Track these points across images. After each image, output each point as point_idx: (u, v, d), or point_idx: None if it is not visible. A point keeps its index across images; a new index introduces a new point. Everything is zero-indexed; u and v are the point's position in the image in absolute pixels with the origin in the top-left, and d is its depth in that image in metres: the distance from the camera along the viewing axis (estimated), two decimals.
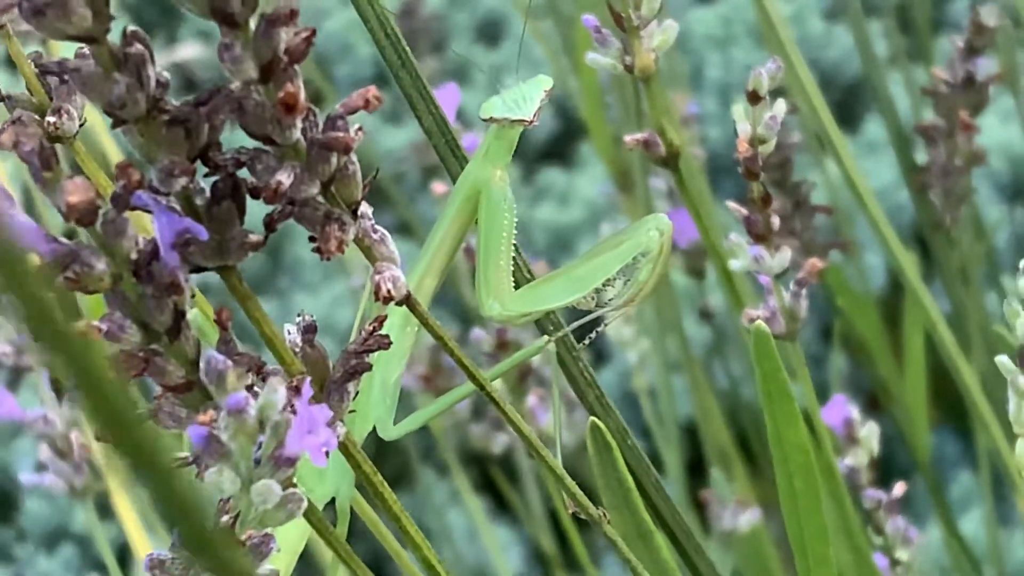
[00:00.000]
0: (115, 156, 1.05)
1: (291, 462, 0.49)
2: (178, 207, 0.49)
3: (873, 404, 1.81)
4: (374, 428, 0.63)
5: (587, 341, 0.65)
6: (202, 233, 0.49)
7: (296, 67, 0.48)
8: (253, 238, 0.49)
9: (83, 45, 0.48)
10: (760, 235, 0.77)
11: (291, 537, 0.61)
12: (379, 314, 0.53)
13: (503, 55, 2.15)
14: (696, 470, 1.48)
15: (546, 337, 0.62)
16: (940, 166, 1.06)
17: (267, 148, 0.49)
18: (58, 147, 0.61)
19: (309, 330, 0.53)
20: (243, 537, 0.51)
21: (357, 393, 0.53)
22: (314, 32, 0.48)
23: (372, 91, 0.50)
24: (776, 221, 0.77)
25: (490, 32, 2.24)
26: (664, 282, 0.68)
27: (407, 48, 0.60)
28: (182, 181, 0.48)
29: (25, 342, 0.88)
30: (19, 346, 0.87)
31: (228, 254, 0.49)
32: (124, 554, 1.43)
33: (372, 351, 0.52)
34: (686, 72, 1.94)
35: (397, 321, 0.60)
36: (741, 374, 1.54)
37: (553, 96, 0.64)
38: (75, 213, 0.46)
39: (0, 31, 0.60)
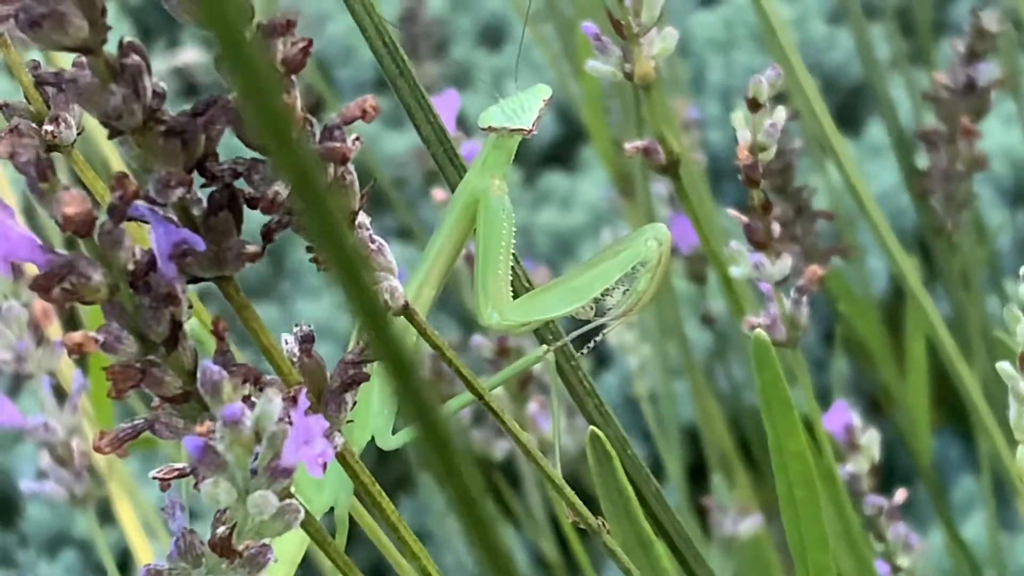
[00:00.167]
0: (116, 162, 1.05)
1: (287, 473, 0.49)
2: (175, 218, 0.49)
3: (874, 408, 1.80)
4: (373, 437, 0.62)
5: (586, 351, 0.65)
6: (199, 244, 0.49)
7: (293, 77, 0.48)
8: (250, 249, 0.49)
9: (80, 55, 0.48)
10: (761, 242, 0.77)
11: (289, 547, 0.61)
12: None
13: (505, 59, 2.15)
14: (697, 474, 1.48)
15: (545, 346, 0.62)
16: (941, 171, 1.06)
17: (264, 158, 0.49)
18: (56, 155, 0.60)
19: (307, 340, 0.53)
20: (240, 548, 0.51)
21: (355, 403, 0.52)
22: (311, 43, 0.48)
23: (369, 101, 0.50)
24: (777, 228, 0.77)
25: (492, 36, 2.24)
26: (665, 287, 0.68)
27: (404, 57, 0.60)
28: (179, 192, 0.48)
29: (26, 349, 0.88)
30: (20, 353, 0.87)
31: (225, 265, 0.49)
32: (125, 559, 1.43)
33: (370, 361, 0.52)
34: (688, 76, 1.95)
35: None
36: (742, 378, 1.54)
37: (554, 100, 0.64)
38: (71, 224, 0.46)
39: None
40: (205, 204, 0.49)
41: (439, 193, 1.02)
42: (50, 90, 0.59)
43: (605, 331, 0.62)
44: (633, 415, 1.61)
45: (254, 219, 0.51)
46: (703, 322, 1.37)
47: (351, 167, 0.50)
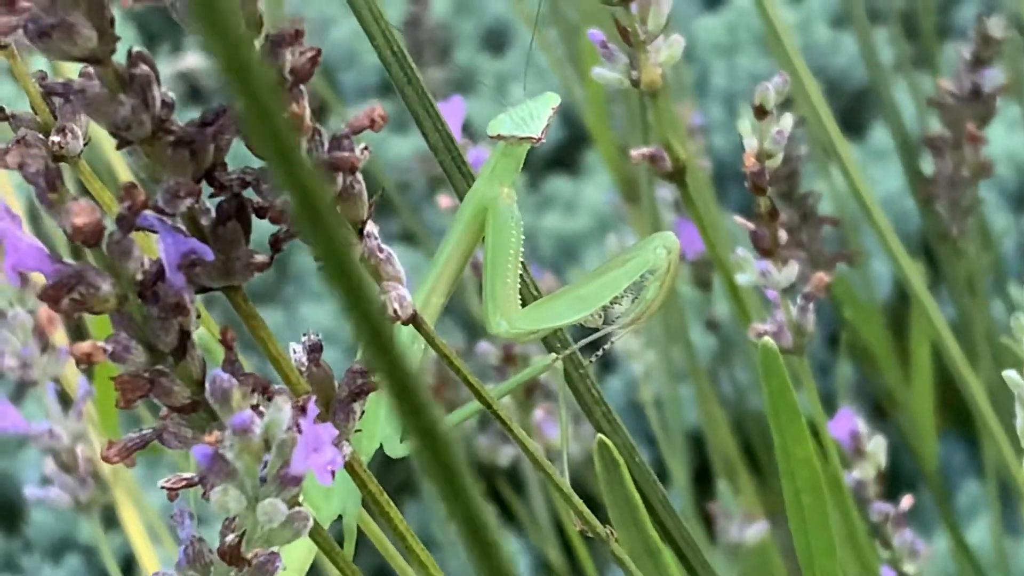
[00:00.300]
0: (121, 169, 1.05)
1: (296, 481, 0.49)
2: (183, 228, 0.49)
3: (878, 411, 1.80)
4: (381, 445, 0.62)
5: (594, 359, 0.65)
6: (208, 254, 0.49)
7: (302, 87, 0.48)
8: (259, 259, 0.49)
9: (87, 65, 0.48)
10: (767, 250, 0.77)
11: (298, 555, 0.61)
12: None
13: (508, 63, 2.15)
14: (702, 478, 1.48)
15: (553, 355, 0.62)
16: (947, 177, 1.06)
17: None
18: (63, 164, 0.60)
19: (315, 349, 0.53)
20: (249, 556, 0.51)
21: (363, 413, 0.52)
22: (319, 52, 0.48)
23: (378, 110, 0.50)
24: (783, 235, 0.77)
25: (496, 40, 2.24)
26: (671, 294, 0.68)
27: (412, 65, 0.60)
28: (187, 202, 0.48)
29: (31, 356, 0.88)
30: (25, 360, 0.87)
31: (234, 274, 0.49)
32: (129, 565, 1.43)
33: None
34: (691, 80, 1.94)
35: (404, 338, 0.60)
36: (747, 383, 1.54)
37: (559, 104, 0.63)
38: (81, 235, 0.46)
39: (4, 50, 0.60)
40: (213, 214, 0.49)
41: (444, 200, 1.02)
42: (57, 100, 0.59)
43: (613, 339, 0.62)
44: (637, 420, 1.61)
45: (258, 228, 0.51)
46: (708, 328, 1.37)
47: (359, 176, 0.50)
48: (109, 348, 0.48)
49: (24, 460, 1.77)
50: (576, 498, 0.60)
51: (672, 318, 1.24)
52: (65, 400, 0.93)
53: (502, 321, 0.60)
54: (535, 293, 0.64)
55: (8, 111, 0.61)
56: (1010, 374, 0.70)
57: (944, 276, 1.20)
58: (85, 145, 0.60)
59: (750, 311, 0.89)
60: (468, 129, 1.13)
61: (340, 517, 0.63)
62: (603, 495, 0.64)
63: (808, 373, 0.81)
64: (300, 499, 0.50)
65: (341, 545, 0.59)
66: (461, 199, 0.63)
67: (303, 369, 0.52)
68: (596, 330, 0.61)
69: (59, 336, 0.91)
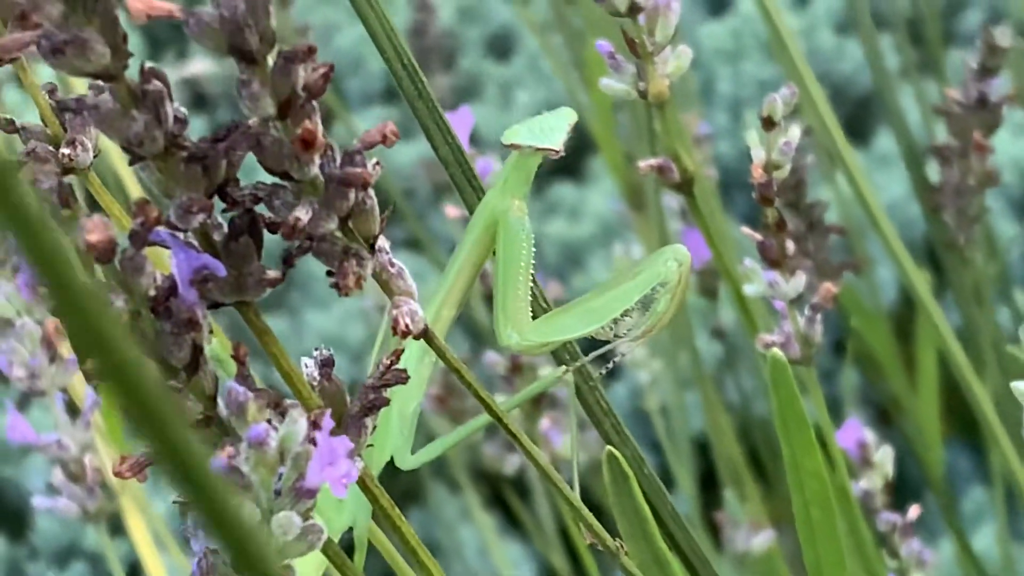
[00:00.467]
0: (129, 180, 1.05)
1: (311, 493, 0.49)
2: (196, 243, 0.49)
3: (883, 418, 1.80)
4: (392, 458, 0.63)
5: (603, 371, 0.65)
6: (220, 269, 0.49)
7: (314, 103, 0.48)
8: (271, 274, 0.49)
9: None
10: (775, 260, 0.77)
11: (308, 568, 0.61)
12: (396, 348, 0.53)
13: (513, 69, 2.15)
14: (707, 484, 1.48)
15: (564, 367, 0.62)
16: (953, 186, 1.06)
17: (285, 184, 0.49)
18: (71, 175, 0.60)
19: (327, 364, 0.53)
20: None
21: (375, 427, 0.53)
22: (331, 68, 0.48)
23: (390, 126, 0.50)
24: (791, 246, 0.77)
25: (500, 47, 2.25)
26: (681, 306, 0.68)
27: (423, 78, 0.60)
28: (200, 217, 0.48)
29: (39, 366, 0.88)
30: (33, 370, 0.87)
31: (246, 290, 0.49)
32: (135, 572, 1.43)
33: (390, 385, 0.52)
34: (696, 87, 1.95)
35: (415, 351, 0.60)
36: (752, 389, 1.54)
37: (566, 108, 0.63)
38: (94, 251, 0.46)
39: (14, 62, 0.60)
40: (226, 229, 0.50)
41: (452, 210, 1.02)
42: (67, 112, 0.60)
43: (623, 352, 0.62)
44: (643, 426, 1.61)
45: (269, 242, 0.51)
46: (714, 336, 1.37)
47: (371, 192, 0.50)
48: None
49: (29, 467, 1.77)
50: (586, 511, 0.60)
51: (678, 326, 1.24)
52: (72, 409, 0.93)
53: (513, 333, 0.60)
54: (544, 305, 0.64)
55: (18, 123, 0.61)
56: (1018, 385, 0.70)
57: (950, 283, 1.20)
58: (95, 158, 0.61)
59: (756, 319, 0.89)
60: (474, 137, 1.13)
61: (350, 529, 0.63)
62: (611, 506, 0.64)
63: (816, 383, 0.81)
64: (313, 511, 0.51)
65: (351, 557, 0.59)
66: (471, 212, 0.63)
67: (315, 384, 0.53)
68: (605, 342, 0.61)
69: (67, 346, 0.91)
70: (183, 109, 0.49)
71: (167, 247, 0.49)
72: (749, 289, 0.79)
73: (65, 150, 0.59)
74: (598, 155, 1.95)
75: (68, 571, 1.73)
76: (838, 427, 0.92)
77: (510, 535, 1.76)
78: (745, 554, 1.15)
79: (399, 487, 1.73)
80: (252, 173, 0.50)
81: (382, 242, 0.52)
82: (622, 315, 0.60)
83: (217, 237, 0.49)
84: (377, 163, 0.50)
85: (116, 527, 1.20)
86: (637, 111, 1.25)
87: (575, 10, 1.52)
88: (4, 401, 1.21)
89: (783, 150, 0.75)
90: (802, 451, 0.65)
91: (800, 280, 0.77)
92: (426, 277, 1.70)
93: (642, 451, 0.68)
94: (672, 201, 1.25)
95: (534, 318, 0.61)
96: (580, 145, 2.06)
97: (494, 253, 0.61)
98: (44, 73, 1.17)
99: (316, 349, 0.53)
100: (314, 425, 0.49)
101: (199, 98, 2.15)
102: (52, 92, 0.60)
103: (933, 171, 1.13)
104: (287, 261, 0.50)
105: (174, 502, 0.51)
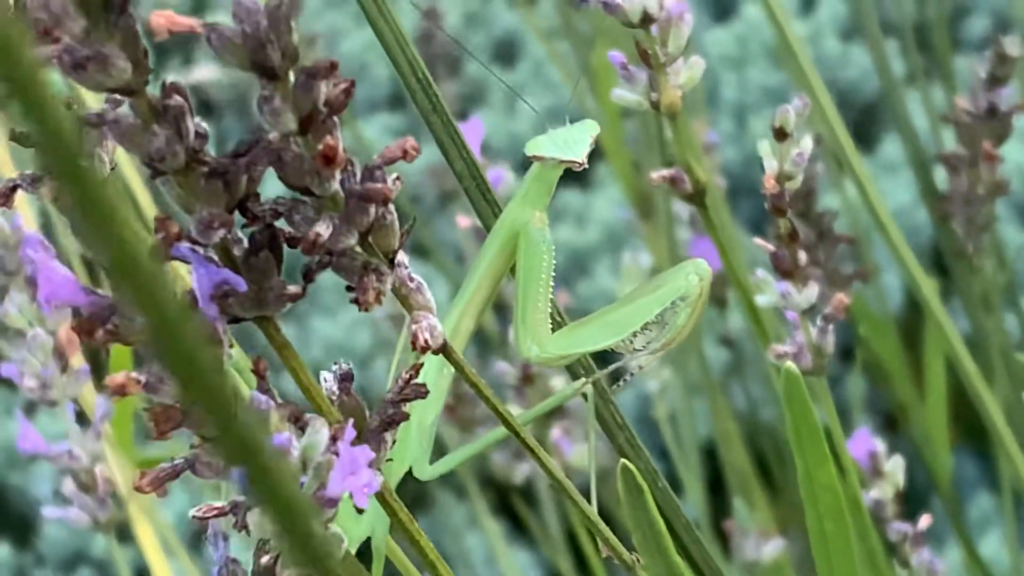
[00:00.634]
0: (140, 189, 1.05)
1: (333, 503, 0.50)
2: (216, 258, 0.49)
3: (891, 424, 1.80)
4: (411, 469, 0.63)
5: (620, 385, 0.65)
6: (240, 284, 0.49)
7: (335, 119, 0.48)
8: (292, 289, 0.49)
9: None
10: (787, 271, 0.77)
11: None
12: (415, 362, 0.53)
13: (519, 75, 2.15)
14: (715, 488, 1.48)
15: (582, 380, 0.62)
16: (962, 195, 1.06)
17: (305, 199, 0.49)
18: None
19: (346, 378, 0.53)
20: None
21: (395, 443, 0.53)
22: (353, 83, 0.48)
23: (410, 141, 0.50)
24: (803, 256, 0.77)
25: (506, 52, 2.25)
26: (700, 320, 0.68)
27: (438, 92, 0.60)
28: (220, 233, 0.48)
29: (51, 376, 0.88)
30: (45, 380, 0.87)
31: (266, 305, 0.49)
32: None
33: (409, 400, 0.52)
34: (702, 93, 1.95)
35: (434, 364, 0.60)
36: (760, 395, 1.54)
37: (569, 116, 0.63)
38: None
39: None
40: (246, 244, 0.50)
41: (463, 219, 1.02)
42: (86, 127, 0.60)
43: (641, 366, 0.62)
44: (651, 432, 1.61)
45: (290, 255, 0.51)
46: (723, 345, 1.37)
47: (391, 207, 0.50)
48: (142, 379, 0.48)
49: (37, 474, 1.77)
50: (603, 525, 0.60)
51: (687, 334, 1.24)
52: (82, 418, 0.93)
53: (533, 346, 0.60)
54: (558, 318, 0.64)
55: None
56: None
57: (957, 289, 1.20)
58: (111, 171, 0.61)
59: (766, 326, 0.89)
60: (482, 145, 1.13)
61: (368, 539, 0.63)
62: (626, 519, 0.64)
63: (827, 393, 0.81)
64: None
65: (368, 567, 0.59)
66: (485, 225, 0.63)
67: (334, 398, 0.53)
68: (623, 355, 0.61)
69: (78, 356, 0.91)
70: (204, 124, 0.49)
71: (188, 262, 0.49)
72: (761, 300, 0.79)
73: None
74: (605, 162, 1.95)
75: None
76: (847, 434, 0.92)
77: (517, 542, 1.76)
78: (755, 563, 1.15)
79: (408, 494, 1.73)
80: (272, 188, 0.50)
81: (401, 257, 0.52)
82: (642, 328, 0.60)
83: (237, 252, 0.49)
84: (397, 178, 0.50)
85: (124, 534, 1.20)
86: (645, 118, 1.25)
87: (582, 16, 1.52)
88: (14, 410, 1.21)
89: (795, 161, 0.75)
90: (816, 464, 0.65)
91: (813, 291, 0.77)
92: (432, 283, 1.69)
93: (651, 457, 0.68)
94: (680, 209, 1.25)
95: (554, 330, 0.61)
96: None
97: (513, 266, 0.61)
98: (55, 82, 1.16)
99: (335, 363, 0.53)
100: (333, 439, 0.49)
101: (205, 105, 2.16)
102: (69, 105, 0.60)
103: (940, 178, 1.13)
104: (307, 276, 0.50)
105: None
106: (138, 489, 0.50)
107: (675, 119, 0.76)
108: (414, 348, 0.52)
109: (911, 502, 1.14)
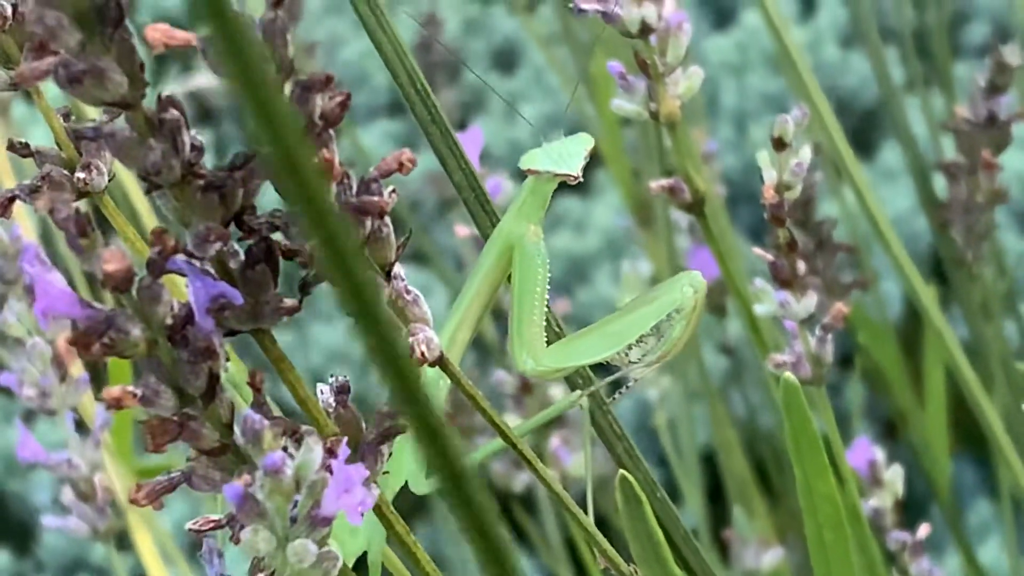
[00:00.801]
0: (138, 196, 1.05)
1: (327, 521, 0.50)
2: (212, 271, 0.49)
3: (890, 431, 1.80)
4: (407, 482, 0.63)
5: (617, 396, 0.65)
6: (237, 298, 0.49)
7: (331, 131, 0.48)
8: (288, 302, 0.49)
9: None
10: (786, 281, 0.77)
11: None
12: None
13: (518, 83, 2.15)
14: (714, 495, 1.48)
15: (580, 392, 0.62)
16: (961, 203, 1.06)
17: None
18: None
19: (343, 391, 0.53)
20: None
21: (391, 455, 0.53)
22: (349, 96, 0.48)
23: (406, 153, 0.50)
24: (802, 266, 0.77)
25: (505, 60, 2.25)
26: (695, 332, 0.68)
27: (436, 103, 0.61)
28: (217, 246, 0.48)
29: (50, 385, 0.88)
30: (44, 389, 0.87)
31: (263, 318, 0.49)
32: None
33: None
34: (701, 100, 1.95)
35: (431, 374, 0.60)
36: (759, 402, 1.54)
37: (569, 123, 0.63)
38: (112, 281, 0.46)
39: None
40: (243, 257, 0.50)
41: (461, 229, 1.02)
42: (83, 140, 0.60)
43: (636, 377, 0.62)
44: (650, 440, 1.61)
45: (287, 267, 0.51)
46: (722, 351, 1.37)
47: (387, 219, 0.50)
48: (139, 392, 0.48)
49: (36, 482, 1.77)
50: (601, 537, 0.60)
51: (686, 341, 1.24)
52: (81, 427, 0.93)
53: (529, 359, 0.60)
54: (556, 329, 0.64)
55: (33, 147, 0.61)
56: None
57: (957, 298, 1.20)
58: (109, 181, 0.61)
59: (765, 334, 0.89)
60: (481, 153, 1.13)
61: (364, 553, 0.63)
62: (624, 529, 0.64)
63: (827, 403, 0.81)
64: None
65: None
66: (483, 236, 0.63)
67: (330, 411, 0.53)
68: (619, 367, 0.61)
69: (77, 365, 0.91)
70: (200, 137, 0.49)
71: (184, 275, 0.49)
72: (760, 309, 0.79)
73: (80, 174, 0.59)
74: (604, 168, 1.95)
75: None
76: (846, 442, 0.92)
77: (517, 550, 1.76)
78: (754, 572, 1.15)
79: (406, 502, 1.73)
80: (269, 201, 0.50)
81: (398, 269, 0.52)
82: (637, 340, 0.60)
83: (234, 265, 0.49)
84: (393, 191, 0.50)
85: (122, 541, 1.20)
86: (645, 126, 1.25)
87: (581, 23, 1.52)
88: (13, 418, 1.21)
89: (794, 171, 0.75)
90: (815, 475, 0.65)
91: (811, 300, 0.77)
92: (432, 291, 1.70)
93: (648, 465, 0.68)
94: (680, 217, 1.25)
95: (549, 343, 0.61)
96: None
97: (509, 277, 0.61)
98: (52, 90, 1.17)
99: (331, 376, 0.53)
100: (329, 452, 0.49)
101: (204, 112, 2.15)
102: (67, 116, 0.60)
103: (940, 185, 1.13)
104: (304, 289, 0.50)
105: None
106: (134, 502, 0.50)
107: (674, 129, 0.76)
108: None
109: (910, 508, 1.14)
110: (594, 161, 2.04)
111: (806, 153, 0.75)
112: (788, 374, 0.64)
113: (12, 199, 0.58)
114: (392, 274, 0.51)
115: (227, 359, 0.50)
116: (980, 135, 1.03)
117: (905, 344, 1.47)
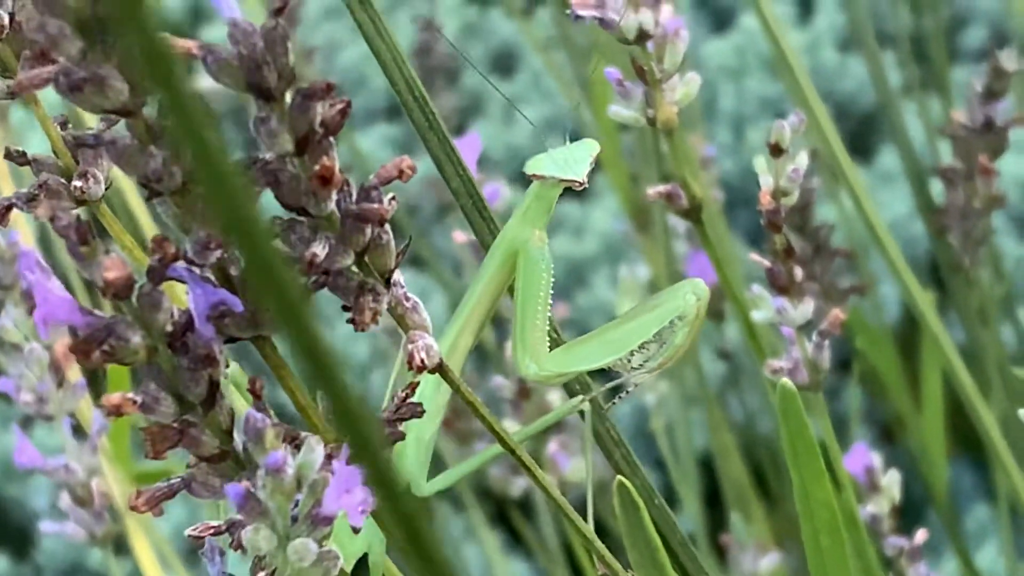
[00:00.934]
0: (136, 203, 1.05)
1: (328, 521, 0.50)
2: (213, 278, 0.49)
3: (887, 435, 1.80)
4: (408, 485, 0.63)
5: (615, 402, 0.65)
6: (237, 305, 0.49)
7: (331, 139, 0.48)
8: None
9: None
10: (783, 287, 0.77)
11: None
12: (412, 381, 0.53)
13: (516, 86, 2.16)
14: (711, 499, 1.48)
15: (580, 398, 0.62)
16: (959, 208, 1.06)
17: (301, 219, 0.49)
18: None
19: None
20: None
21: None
22: (349, 104, 0.48)
23: (406, 161, 0.50)
24: (799, 272, 0.77)
25: (504, 64, 2.25)
26: (697, 339, 0.68)
27: (434, 110, 0.61)
28: (217, 253, 0.48)
29: (47, 390, 0.88)
30: (41, 395, 0.88)
31: (263, 325, 0.49)
32: None
33: (405, 419, 0.52)
34: (699, 104, 1.95)
35: (431, 380, 0.60)
36: (757, 407, 1.54)
37: (566, 128, 0.63)
38: (112, 289, 0.46)
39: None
40: (242, 264, 0.50)
41: (459, 235, 1.02)
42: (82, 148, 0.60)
43: (636, 383, 0.62)
44: (647, 444, 1.61)
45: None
46: (720, 356, 1.37)
47: (387, 227, 0.51)
48: (139, 399, 0.48)
49: (35, 487, 1.77)
50: (599, 543, 0.60)
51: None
52: (78, 432, 0.93)
53: (532, 364, 0.60)
54: (555, 336, 0.64)
55: (30, 155, 0.61)
56: None
57: (954, 303, 1.20)
58: (107, 189, 0.61)
59: (762, 340, 0.89)
60: (479, 157, 1.13)
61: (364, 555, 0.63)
62: (622, 536, 0.64)
63: (824, 409, 0.81)
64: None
65: None
66: (481, 242, 0.63)
67: (330, 418, 0.53)
68: (620, 373, 0.62)
69: (75, 371, 0.91)
70: None
71: (184, 282, 0.49)
72: (757, 315, 0.79)
73: (77, 182, 0.59)
74: (602, 173, 1.95)
75: None
76: (844, 446, 0.92)
77: (514, 553, 1.76)
78: None
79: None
80: (269, 208, 0.50)
81: (397, 276, 0.52)
82: (639, 347, 0.61)
83: (234, 272, 0.50)
84: (393, 198, 0.50)
85: (120, 546, 1.20)
86: (643, 131, 1.25)
87: (579, 27, 1.52)
88: (11, 423, 1.21)
89: (791, 177, 0.75)
90: (812, 480, 0.65)
91: (808, 307, 0.77)
92: (430, 295, 1.70)
93: (646, 469, 0.68)
94: (678, 222, 1.25)
95: (552, 348, 0.61)
96: None
97: (511, 285, 0.61)
98: (50, 97, 1.17)
99: None
100: (330, 457, 0.49)
101: None
102: (64, 125, 0.60)
103: (937, 190, 1.13)
104: None
105: None
106: (134, 509, 0.50)
107: (671, 135, 0.76)
108: (410, 368, 0.52)
109: (908, 513, 1.14)
110: (593, 166, 2.04)
111: (803, 159, 0.75)
112: (785, 380, 0.64)
113: (9, 208, 0.58)
114: (392, 281, 0.51)
115: (227, 366, 0.50)
116: (977, 140, 1.03)
117: (902, 349, 1.47)
